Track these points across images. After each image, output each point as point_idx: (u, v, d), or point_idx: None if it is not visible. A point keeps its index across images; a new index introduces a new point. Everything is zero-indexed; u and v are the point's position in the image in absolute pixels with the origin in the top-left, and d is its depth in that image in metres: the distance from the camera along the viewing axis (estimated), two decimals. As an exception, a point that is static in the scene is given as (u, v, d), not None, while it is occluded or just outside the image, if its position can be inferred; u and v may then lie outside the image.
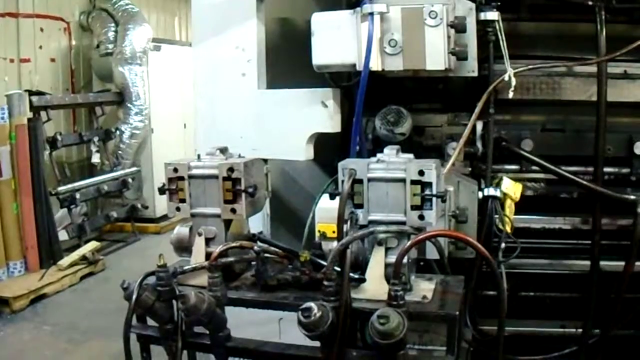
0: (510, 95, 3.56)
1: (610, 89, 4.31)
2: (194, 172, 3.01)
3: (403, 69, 3.32)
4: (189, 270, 2.95)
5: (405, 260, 2.61)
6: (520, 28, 4.55)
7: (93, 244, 8.87)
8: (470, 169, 4.00)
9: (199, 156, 3.08)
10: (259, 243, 3.08)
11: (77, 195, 9.05)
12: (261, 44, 3.93)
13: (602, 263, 4.11)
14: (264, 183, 3.13)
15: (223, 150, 3.10)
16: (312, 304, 2.47)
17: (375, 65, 3.30)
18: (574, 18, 4.21)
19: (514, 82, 3.54)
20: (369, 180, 2.71)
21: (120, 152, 10.36)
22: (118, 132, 10.29)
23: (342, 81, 3.80)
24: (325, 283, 2.59)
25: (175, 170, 3.04)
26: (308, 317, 2.46)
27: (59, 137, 8.98)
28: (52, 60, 10.28)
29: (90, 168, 10.33)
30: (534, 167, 4.05)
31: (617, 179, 4.16)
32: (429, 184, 2.62)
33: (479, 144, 3.90)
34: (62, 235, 8.87)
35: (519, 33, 4.52)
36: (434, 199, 2.61)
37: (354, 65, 3.36)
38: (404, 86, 3.99)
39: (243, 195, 2.90)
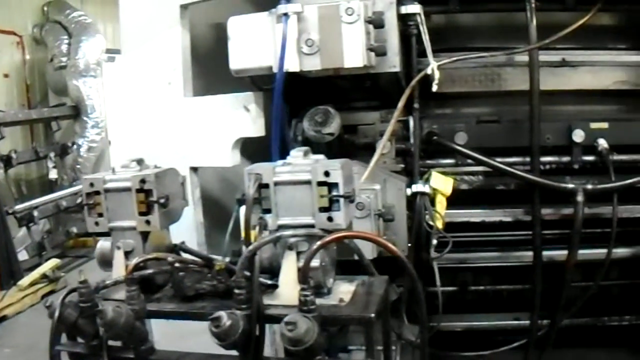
0: (434, 88, 3.60)
1: (550, 77, 4.46)
2: (109, 185, 3.00)
3: (321, 69, 3.34)
4: (110, 285, 2.93)
5: (316, 263, 2.60)
6: (460, 20, 4.67)
7: (53, 262, 8.84)
8: (403, 165, 4.00)
9: (113, 169, 3.07)
10: (182, 253, 3.05)
11: (35, 213, 9.00)
12: (186, 51, 3.94)
13: (550, 253, 4.23)
14: (179, 193, 3.12)
15: (139, 162, 3.10)
16: (221, 313, 2.47)
17: (293, 66, 3.32)
18: (507, 8, 4.29)
19: (437, 75, 3.57)
20: (276, 184, 2.70)
21: (78, 166, 10.35)
22: (75, 147, 10.25)
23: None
24: (236, 291, 2.58)
25: (92, 184, 3.04)
26: (218, 327, 2.46)
27: (13, 155, 8.95)
28: (6, 76, 10.24)
29: (51, 184, 10.27)
30: (471, 160, 4.04)
31: (559, 168, 4.23)
32: (336, 185, 2.60)
33: (412, 140, 3.86)
34: (22, 255, 8.81)
35: (458, 25, 4.67)
36: (342, 199, 2.59)
37: (270, 68, 3.38)
38: (338, 85, 3.98)
39: (156, 206, 2.89)
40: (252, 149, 3.91)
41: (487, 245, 4.53)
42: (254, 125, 3.51)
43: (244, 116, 3.52)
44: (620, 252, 4.60)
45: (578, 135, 4.07)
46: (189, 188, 3.61)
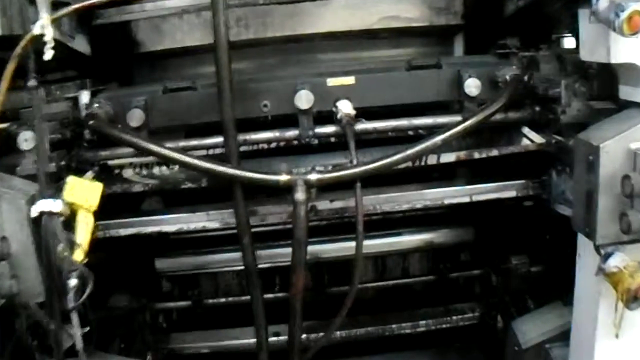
0: (47, 56, 2.37)
1: (297, 18, 3.37)
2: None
3: None
4: None
5: None
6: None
7: None
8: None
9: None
10: None
11: None
12: None
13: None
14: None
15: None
16: None
17: None
18: None
19: (49, 35, 2.34)
20: None
21: None
22: None
23: None
24: None
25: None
26: None
27: None
28: None
29: None
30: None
31: (291, 147, 2.97)
32: None
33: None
34: None
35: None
36: None
37: None
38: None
39: None
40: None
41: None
42: None
43: None
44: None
45: (303, 100, 2.80)
46: None
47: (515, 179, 2.98)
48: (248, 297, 3.35)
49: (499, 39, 3.31)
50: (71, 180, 2.49)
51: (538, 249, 3.51)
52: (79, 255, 2.44)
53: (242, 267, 3.38)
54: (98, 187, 2.55)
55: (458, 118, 2.81)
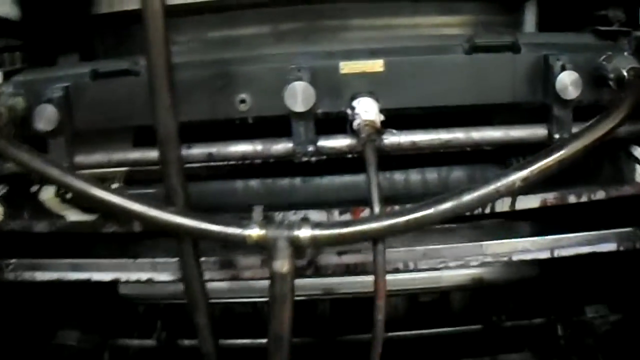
0: None
1: None
2: None
3: None
4: None
5: None
6: None
7: None
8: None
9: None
10: None
11: None
12: None
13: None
14: None
15: None
16: None
17: None
18: None
19: None
20: None
21: None
22: None
23: None
24: None
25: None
26: None
27: None
28: None
29: None
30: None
31: (284, 163, 1.90)
32: None
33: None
34: None
35: None
36: None
37: None
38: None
39: None
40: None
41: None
42: None
43: None
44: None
45: (298, 97, 1.69)
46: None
47: (612, 223, 1.99)
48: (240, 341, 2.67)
49: (595, 10, 2.11)
50: None
51: (620, 299, 2.55)
52: None
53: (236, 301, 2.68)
54: None
55: (543, 132, 1.76)
